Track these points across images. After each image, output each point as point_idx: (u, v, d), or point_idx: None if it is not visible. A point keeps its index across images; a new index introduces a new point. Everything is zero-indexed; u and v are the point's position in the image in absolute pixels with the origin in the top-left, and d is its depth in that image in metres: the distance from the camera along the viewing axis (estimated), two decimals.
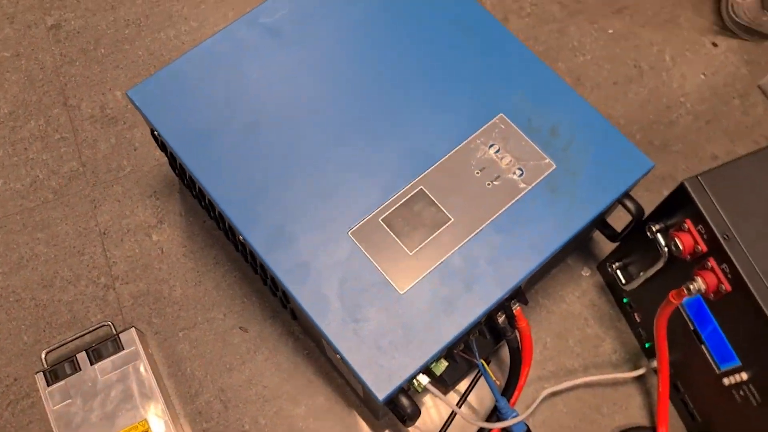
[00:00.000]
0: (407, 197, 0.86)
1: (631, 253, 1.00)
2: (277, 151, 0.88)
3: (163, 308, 1.08)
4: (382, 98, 0.92)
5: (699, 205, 0.79)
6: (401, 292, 0.82)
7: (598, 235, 1.13)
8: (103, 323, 1.05)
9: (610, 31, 1.29)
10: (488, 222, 0.85)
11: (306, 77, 0.93)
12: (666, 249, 0.85)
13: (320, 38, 0.96)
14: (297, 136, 0.89)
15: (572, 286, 1.10)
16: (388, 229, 0.84)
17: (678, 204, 0.82)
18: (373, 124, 0.90)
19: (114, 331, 1.02)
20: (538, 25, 1.28)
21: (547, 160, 0.88)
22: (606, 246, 1.12)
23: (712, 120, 1.22)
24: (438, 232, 0.84)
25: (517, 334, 0.93)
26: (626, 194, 0.90)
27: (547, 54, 1.25)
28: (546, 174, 0.88)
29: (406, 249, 0.83)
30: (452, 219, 0.85)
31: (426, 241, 0.84)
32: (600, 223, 0.97)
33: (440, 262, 0.83)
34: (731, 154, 1.19)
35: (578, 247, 1.12)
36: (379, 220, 0.85)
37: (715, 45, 1.29)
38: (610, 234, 1.00)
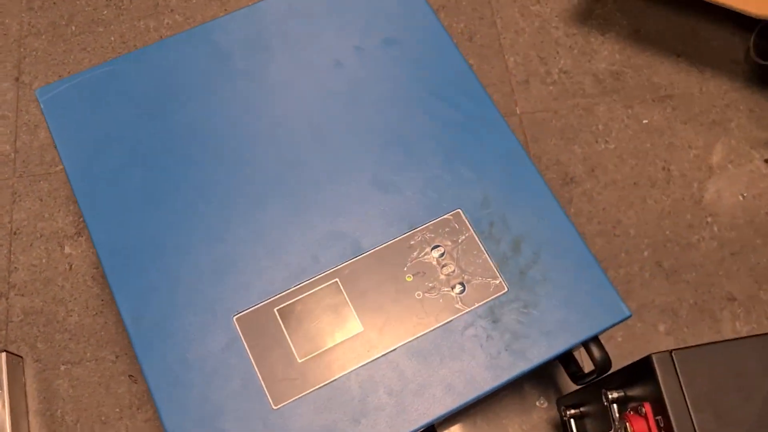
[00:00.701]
0: (316, 288, 0.70)
1: (589, 402, 0.81)
2: (178, 202, 0.73)
3: (53, 334, 0.95)
4: (316, 161, 0.76)
5: (663, 391, 0.60)
6: (274, 407, 0.66)
7: None
8: None
9: (645, 121, 1.09)
10: (404, 342, 0.68)
11: (238, 117, 0.78)
12: (618, 426, 0.67)
13: (270, 74, 0.80)
14: (206, 187, 0.74)
15: (522, 416, 0.92)
16: (282, 323, 0.68)
17: (641, 377, 0.64)
18: (297, 190, 0.74)
19: None
20: (561, 97, 1.10)
21: (499, 281, 0.71)
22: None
23: (740, 252, 1.01)
24: (341, 341, 0.68)
25: None
26: (593, 338, 0.72)
27: (563, 133, 1.07)
28: (492, 297, 0.70)
29: (295, 353, 0.67)
30: (362, 328, 0.69)
31: (322, 349, 0.68)
32: (562, 357, 0.79)
33: (332, 379, 0.67)
34: (752, 300, 0.98)
35: (538, 372, 0.94)
36: (275, 309, 0.69)
37: (767, 162, 1.08)
38: (573, 373, 0.81)
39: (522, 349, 0.69)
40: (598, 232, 1.01)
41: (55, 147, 0.81)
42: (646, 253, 1.01)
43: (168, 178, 0.74)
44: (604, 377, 0.75)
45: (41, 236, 1.00)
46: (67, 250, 1.00)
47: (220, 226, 0.72)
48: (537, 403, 0.93)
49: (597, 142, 1.07)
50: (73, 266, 0.99)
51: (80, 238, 1.00)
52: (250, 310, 0.69)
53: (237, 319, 0.69)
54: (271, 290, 0.70)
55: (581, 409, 0.83)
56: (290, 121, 0.77)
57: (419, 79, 0.80)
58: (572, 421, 0.83)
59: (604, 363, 0.73)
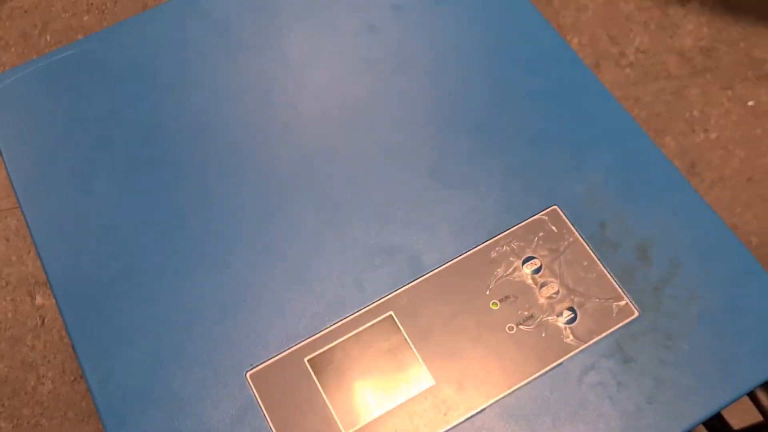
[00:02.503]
0: (362, 327, 0.48)
1: None
2: (163, 217, 0.53)
3: (20, 408, 0.73)
4: (351, 150, 0.55)
5: None
6: None
7: None
8: None
9: (751, 103, 0.88)
10: (496, 399, 0.46)
11: (243, 101, 0.58)
12: None
13: (283, 45, 0.60)
14: (201, 193, 0.53)
15: None
16: (316, 379, 0.46)
17: None
18: (328, 191, 0.53)
19: None
20: (642, 81, 0.89)
21: (625, 302, 0.49)
22: None
23: None
24: (403, 401, 0.46)
25: None
26: (764, 383, 0.49)
27: (649, 123, 0.86)
28: (618, 326, 0.48)
29: (339, 422, 0.45)
30: (433, 381, 0.46)
31: (378, 414, 0.45)
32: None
33: None
34: None
35: None
36: (305, 360, 0.47)
37: None
38: (719, 430, 0.58)
39: (673, 401, 0.46)
40: None
41: None
42: None
43: (148, 184, 0.54)
44: None
45: (7, 284, 0.80)
46: (38, 300, 0.79)
47: (222, 247, 0.51)
48: None
49: (694, 131, 0.86)
50: (45, 320, 0.78)
51: None
52: (270, 362, 0.47)
53: (251, 375, 0.47)
54: (299, 333, 0.48)
55: None
56: (313, 103, 0.57)
57: (484, 41, 0.60)
58: None
59: None
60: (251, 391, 0.47)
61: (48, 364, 0.76)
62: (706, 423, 0.58)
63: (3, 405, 0.74)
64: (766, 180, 0.83)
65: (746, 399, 0.50)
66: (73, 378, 0.75)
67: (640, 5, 0.92)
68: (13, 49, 0.94)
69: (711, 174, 0.82)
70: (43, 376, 0.76)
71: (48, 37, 0.96)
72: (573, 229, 0.52)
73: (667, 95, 0.87)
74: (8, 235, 0.82)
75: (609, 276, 0.50)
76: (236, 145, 0.55)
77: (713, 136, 0.85)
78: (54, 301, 0.78)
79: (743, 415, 0.58)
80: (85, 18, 0.96)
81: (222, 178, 0.54)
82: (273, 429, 0.45)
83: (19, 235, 0.83)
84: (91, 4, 0.96)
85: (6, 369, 0.75)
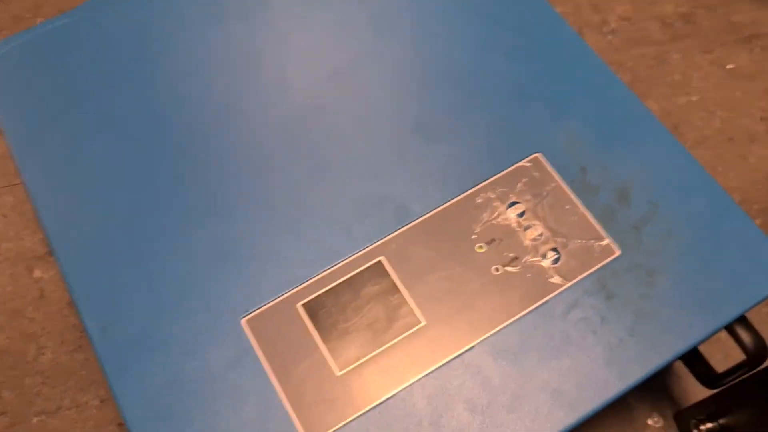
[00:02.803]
0: (353, 272, 0.50)
1: (737, 409, 0.60)
2: (159, 172, 0.54)
3: (21, 377, 0.75)
4: (338, 106, 0.56)
5: None
6: None
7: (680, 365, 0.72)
8: None
9: (730, 66, 0.90)
10: (484, 336, 0.48)
11: (233, 62, 0.59)
12: None
13: (273, 8, 0.62)
14: (194, 150, 0.55)
15: None
16: (310, 323, 0.48)
17: None
18: (317, 146, 0.55)
19: None
20: (624, 47, 0.91)
21: (606, 242, 0.51)
22: (692, 386, 0.71)
23: None
24: (395, 341, 0.47)
25: None
26: (740, 318, 0.51)
27: (633, 87, 0.88)
28: (601, 265, 0.50)
29: (332, 363, 0.47)
30: (423, 321, 0.48)
31: (370, 355, 0.47)
32: (688, 355, 0.58)
33: (388, 396, 0.46)
34: None
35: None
36: (298, 305, 0.49)
37: None
38: (704, 374, 0.60)
39: (654, 334, 0.48)
40: None
41: None
42: (758, 221, 0.80)
43: (145, 145, 0.55)
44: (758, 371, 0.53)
45: (5, 259, 0.81)
46: (37, 273, 0.81)
47: (214, 199, 0.53)
48: (649, 422, 0.71)
49: (676, 95, 0.88)
50: (44, 293, 0.79)
51: (52, 259, 0.81)
52: (265, 307, 0.49)
53: (247, 321, 0.49)
54: (292, 279, 0.50)
55: (721, 421, 0.62)
56: (300, 65, 0.58)
57: (466, 2, 0.61)
58: None
59: (760, 348, 0.52)
60: (247, 336, 0.48)
61: (48, 335, 0.77)
62: (691, 367, 0.60)
63: (5, 375, 0.75)
64: (747, 140, 0.85)
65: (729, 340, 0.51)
66: (72, 348, 0.77)
67: None
68: (5, 32, 0.96)
69: (693, 135, 0.84)
70: (43, 347, 0.77)
71: (41, 20, 0.97)
72: (555, 174, 0.53)
73: (650, 60, 0.89)
74: (5, 211, 0.84)
75: (590, 218, 0.52)
76: (228, 106, 0.56)
77: (694, 98, 0.87)
78: (52, 274, 0.79)
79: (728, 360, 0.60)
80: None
81: (216, 137, 0.55)
82: (269, 371, 0.47)
83: (16, 211, 0.84)
84: None
85: (7, 340, 0.77)
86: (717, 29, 0.92)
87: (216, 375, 0.47)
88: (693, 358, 0.60)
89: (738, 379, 0.55)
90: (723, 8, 0.93)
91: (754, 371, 0.53)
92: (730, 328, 0.52)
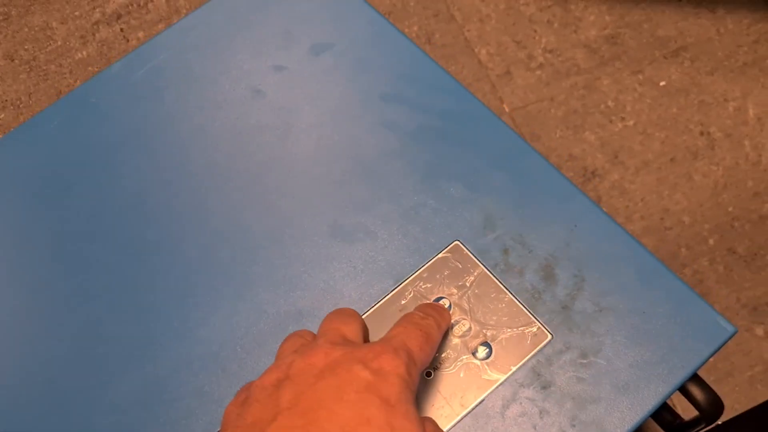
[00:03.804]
0: None
1: None
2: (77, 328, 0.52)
3: None
4: (251, 221, 0.55)
5: None
6: None
7: None
8: None
9: (663, 83, 0.89)
10: None
11: (135, 183, 0.58)
12: None
13: (173, 123, 0.60)
14: (93, 287, 0.53)
15: None
16: None
17: None
18: (240, 271, 0.53)
19: None
20: (554, 81, 0.90)
21: (537, 327, 0.49)
22: None
23: None
24: None
25: None
26: (693, 376, 0.50)
27: (567, 121, 0.86)
28: (533, 353, 0.48)
29: None
30: None
31: None
32: None
33: None
34: None
35: None
36: None
37: None
38: (669, 423, 0.58)
39: (597, 419, 0.46)
40: (643, 229, 0.79)
41: None
42: (711, 241, 0.78)
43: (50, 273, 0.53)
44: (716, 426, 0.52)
45: None
46: None
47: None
48: None
49: (611, 121, 0.87)
50: None
51: None
52: None
53: None
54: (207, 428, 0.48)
55: None
56: (203, 179, 0.57)
57: (367, 85, 0.60)
58: None
59: (714, 405, 0.51)
60: None
61: None
62: (654, 416, 0.59)
63: None
64: (689, 157, 0.83)
65: None
66: None
67: (541, 5, 0.93)
68: None
69: (634, 161, 0.83)
70: None
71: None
72: (477, 260, 0.52)
73: (580, 90, 0.88)
74: None
75: (518, 303, 0.50)
76: (135, 238, 0.55)
77: (631, 122, 0.86)
78: None
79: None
80: (1, 116, 0.96)
81: (127, 266, 0.54)
82: None
83: None
84: (6, 100, 0.96)
85: None
86: (644, 47, 0.91)
87: None
88: (659, 408, 0.58)
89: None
90: (647, 24, 0.92)
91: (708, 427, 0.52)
92: (682, 389, 0.50)
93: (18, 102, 0.97)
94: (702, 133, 0.85)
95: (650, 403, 0.47)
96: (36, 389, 0.50)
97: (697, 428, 0.53)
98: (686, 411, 0.55)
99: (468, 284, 0.51)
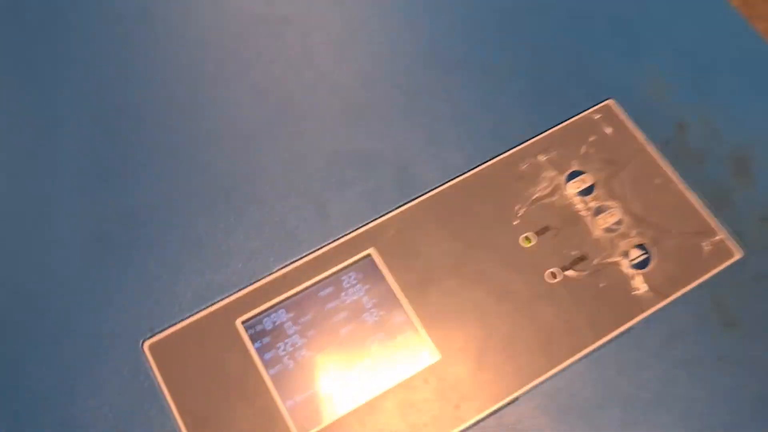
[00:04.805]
0: (324, 273, 0.31)
1: None
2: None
3: None
4: (316, 12, 0.37)
5: None
6: None
7: None
8: None
9: None
10: (534, 383, 0.29)
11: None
12: None
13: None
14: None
15: None
16: (252, 351, 0.29)
17: None
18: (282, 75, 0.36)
19: None
20: None
21: (720, 237, 0.32)
22: None
23: None
24: (390, 386, 0.29)
25: None
26: None
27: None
28: (714, 272, 0.32)
29: (290, 421, 0.28)
30: (438, 355, 0.30)
31: (350, 409, 0.28)
32: None
33: None
34: None
35: None
36: (237, 322, 0.30)
37: None
38: None
39: None
40: None
41: None
42: None
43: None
44: None
45: None
46: None
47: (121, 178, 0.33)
48: None
49: None
50: None
51: None
52: (182, 326, 0.30)
53: (150, 347, 0.29)
54: (226, 284, 0.31)
55: None
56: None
57: None
58: None
59: None
60: (149, 371, 0.29)
61: None
62: None
63: None
64: None
65: None
66: None
67: None
68: None
69: None
70: None
71: None
72: (637, 132, 0.35)
73: None
74: None
75: (694, 200, 0.33)
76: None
77: None
78: None
79: None
80: None
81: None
82: (180, 423, 0.28)
83: None
84: None
85: None
86: None
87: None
88: None
89: None
90: None
91: None
92: None
93: None
94: None
95: None
96: None
97: None
98: None
99: (623, 160, 0.34)
